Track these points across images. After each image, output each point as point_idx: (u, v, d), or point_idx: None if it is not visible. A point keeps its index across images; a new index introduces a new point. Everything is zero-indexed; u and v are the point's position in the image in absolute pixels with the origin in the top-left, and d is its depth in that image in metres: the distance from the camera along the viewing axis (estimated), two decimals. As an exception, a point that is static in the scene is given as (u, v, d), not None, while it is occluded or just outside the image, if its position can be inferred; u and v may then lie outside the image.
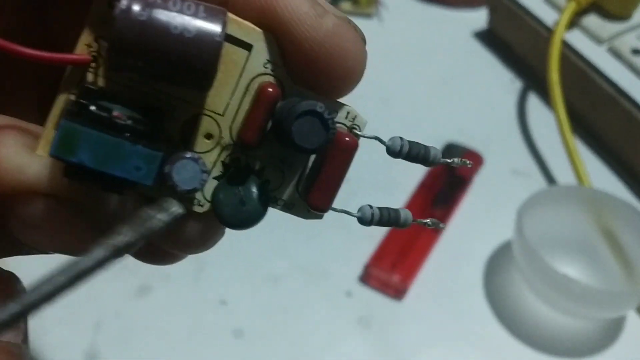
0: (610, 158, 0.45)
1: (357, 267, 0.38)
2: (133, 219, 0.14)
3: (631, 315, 0.37)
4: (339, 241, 0.40)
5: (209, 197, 0.16)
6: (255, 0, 0.15)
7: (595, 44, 0.46)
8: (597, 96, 0.44)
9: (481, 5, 0.56)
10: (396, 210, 0.18)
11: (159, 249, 0.19)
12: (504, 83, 0.51)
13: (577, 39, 0.46)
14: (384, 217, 0.18)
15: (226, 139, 0.16)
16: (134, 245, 0.14)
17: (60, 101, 0.15)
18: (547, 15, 0.48)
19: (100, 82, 0.15)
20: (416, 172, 0.43)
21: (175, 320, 0.36)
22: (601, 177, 0.43)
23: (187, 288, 0.37)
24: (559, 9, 0.47)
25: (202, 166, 0.15)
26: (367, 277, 0.38)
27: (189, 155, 0.15)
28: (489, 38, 0.54)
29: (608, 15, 0.46)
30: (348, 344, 0.36)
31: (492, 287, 0.38)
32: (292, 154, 0.16)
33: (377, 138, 0.18)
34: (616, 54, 0.45)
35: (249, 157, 0.16)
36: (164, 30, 0.13)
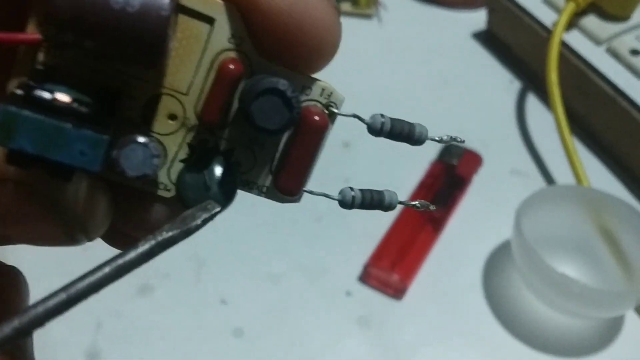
0: (608, 158, 0.45)
1: (357, 267, 0.38)
2: (177, 218, 0.14)
3: (630, 314, 0.37)
4: (339, 241, 0.40)
5: (175, 180, 0.15)
6: None
7: (594, 45, 0.46)
8: (596, 96, 0.44)
9: (480, 6, 0.56)
10: (380, 192, 0.17)
11: (123, 233, 0.18)
12: (503, 83, 0.51)
13: (576, 40, 0.46)
14: (367, 199, 0.16)
15: (191, 119, 0.15)
16: (176, 242, 0.15)
17: (11, 84, 0.14)
18: (546, 16, 0.48)
19: (52, 62, 0.14)
20: (415, 172, 0.43)
21: (176, 320, 0.36)
22: (600, 177, 0.43)
23: (188, 287, 0.37)
24: (557, 9, 0.47)
25: (153, 150, 0.14)
26: (366, 277, 0.38)
27: (139, 139, 0.14)
28: (487, 39, 0.54)
29: (607, 16, 0.47)
30: (347, 343, 0.36)
31: (491, 286, 0.38)
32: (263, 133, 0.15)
33: (355, 116, 0.17)
34: (615, 54, 0.45)
35: (217, 138, 0.15)
36: (104, 4, 0.12)
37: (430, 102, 0.49)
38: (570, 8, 0.46)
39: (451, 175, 0.43)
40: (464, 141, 0.17)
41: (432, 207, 0.18)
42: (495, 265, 0.39)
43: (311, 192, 0.16)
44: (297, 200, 0.16)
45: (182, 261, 0.39)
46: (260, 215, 0.41)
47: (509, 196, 0.39)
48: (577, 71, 0.45)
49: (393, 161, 0.44)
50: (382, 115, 0.16)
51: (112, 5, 0.12)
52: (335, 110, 0.16)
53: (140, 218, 0.17)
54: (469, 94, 0.50)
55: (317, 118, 0.15)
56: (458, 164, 0.43)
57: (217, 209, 0.15)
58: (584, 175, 0.41)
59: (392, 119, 0.16)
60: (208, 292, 0.37)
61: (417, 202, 0.18)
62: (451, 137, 0.17)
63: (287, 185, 0.16)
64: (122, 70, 0.14)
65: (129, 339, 0.35)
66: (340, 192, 0.16)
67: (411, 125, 0.16)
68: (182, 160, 0.15)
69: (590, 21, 0.46)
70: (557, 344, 0.36)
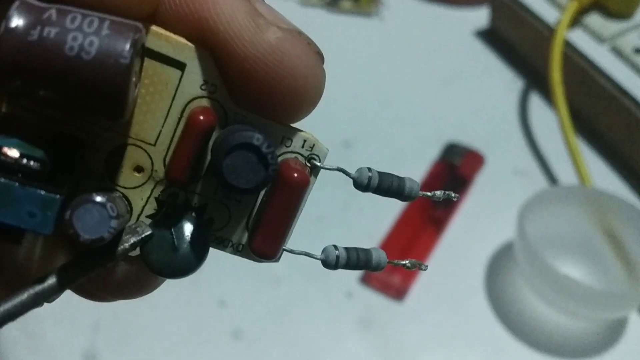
0: (612, 158, 0.45)
1: (358, 268, 0.38)
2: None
3: (633, 316, 0.37)
4: (339, 242, 0.40)
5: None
6: (185, 11, 0.13)
7: (597, 43, 0.46)
8: (599, 95, 0.44)
9: (482, 4, 0.56)
10: (367, 251, 0.16)
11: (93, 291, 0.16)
12: (505, 82, 0.51)
13: (579, 38, 0.46)
14: (352, 259, 0.15)
15: (160, 172, 0.14)
16: (105, 264, 0.14)
17: None
18: (549, 14, 0.48)
19: (6, 110, 0.13)
20: (417, 173, 0.43)
21: (174, 321, 0.36)
22: (603, 177, 0.43)
23: (186, 289, 0.37)
24: (560, 8, 0.47)
25: (110, 211, 0.12)
26: (367, 278, 0.38)
27: (95, 198, 0.12)
28: (490, 37, 0.54)
29: (610, 14, 0.46)
30: (348, 345, 0.36)
31: (493, 287, 0.38)
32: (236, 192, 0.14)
33: (340, 169, 0.15)
34: (618, 53, 0.45)
35: (187, 193, 0.14)
36: (57, 52, 0.11)
37: (432, 101, 0.49)
38: (573, 6, 0.46)
39: (453, 175, 0.43)
40: (457, 197, 0.16)
41: (423, 267, 0.17)
42: (498, 266, 0.39)
43: (291, 252, 0.15)
44: (275, 260, 0.15)
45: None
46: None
47: (511, 196, 0.39)
48: (580, 70, 0.45)
49: (394, 161, 0.44)
50: (369, 170, 0.15)
51: (66, 52, 0.11)
52: (318, 164, 0.15)
53: (102, 279, 0.15)
54: (471, 93, 0.50)
55: (296, 175, 0.14)
56: (460, 164, 0.43)
57: (148, 232, 0.14)
58: (587, 175, 0.40)
59: (380, 174, 0.15)
60: (207, 293, 0.37)
61: (407, 262, 0.16)
62: (444, 193, 0.16)
63: (263, 248, 0.15)
64: (82, 120, 0.13)
65: (126, 340, 0.35)
66: (324, 251, 0.15)
67: (400, 180, 0.15)
68: (148, 216, 0.14)
69: (594, 19, 0.46)
70: (559, 346, 0.36)
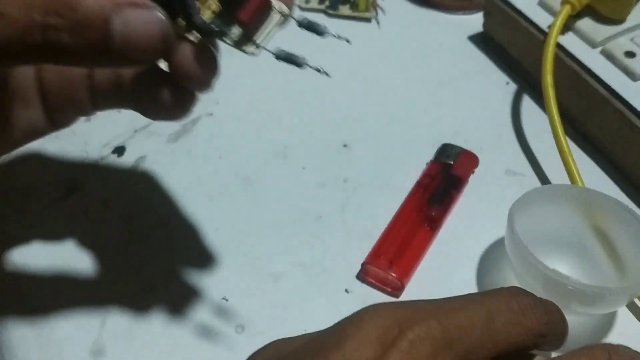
0: (602, 159, 0.46)
1: (355, 265, 0.39)
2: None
3: (622, 311, 0.38)
4: (338, 240, 0.41)
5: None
6: None
7: (589, 47, 0.46)
8: (591, 98, 0.45)
9: (477, 10, 0.56)
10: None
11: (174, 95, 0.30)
12: (499, 85, 0.51)
13: (571, 42, 0.47)
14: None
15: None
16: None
17: None
18: (542, 19, 0.48)
19: None
20: (413, 172, 0.44)
21: (178, 317, 0.37)
22: (594, 177, 0.44)
23: (190, 286, 0.38)
24: (553, 12, 0.48)
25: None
26: (365, 275, 0.39)
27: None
28: (484, 41, 0.55)
29: (602, 18, 0.47)
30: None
31: (485, 283, 0.38)
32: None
33: None
34: (610, 56, 0.45)
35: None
36: None
37: (428, 104, 0.50)
38: (565, 11, 0.46)
39: (448, 175, 0.43)
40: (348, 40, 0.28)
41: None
42: (490, 262, 0.39)
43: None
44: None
45: (185, 260, 0.39)
46: (261, 215, 0.42)
47: (504, 196, 0.39)
48: (572, 73, 0.46)
49: (391, 161, 0.45)
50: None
51: None
52: None
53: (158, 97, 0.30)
54: (465, 96, 0.51)
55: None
56: (455, 164, 0.44)
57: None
58: (578, 176, 0.41)
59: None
60: (210, 290, 0.38)
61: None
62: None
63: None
64: None
65: (133, 336, 0.36)
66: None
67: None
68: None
69: (586, 24, 0.47)
70: (551, 340, 0.37)
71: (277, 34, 0.28)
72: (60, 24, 0.24)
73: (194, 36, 0.28)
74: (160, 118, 0.32)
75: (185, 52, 0.28)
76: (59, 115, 0.34)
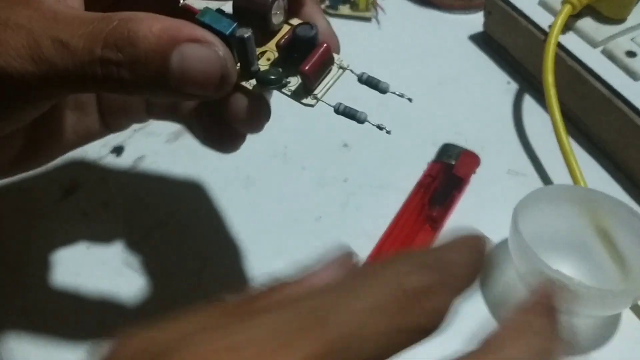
0: (604, 158, 0.46)
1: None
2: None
3: (626, 313, 0.38)
4: (338, 239, 0.41)
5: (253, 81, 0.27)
6: None
7: (590, 47, 0.46)
8: (592, 98, 0.45)
9: (477, 9, 0.56)
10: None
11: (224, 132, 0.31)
12: (500, 85, 0.51)
13: (572, 42, 0.46)
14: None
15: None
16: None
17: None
18: (542, 18, 0.48)
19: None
20: (414, 172, 0.43)
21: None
22: (596, 177, 0.44)
23: (189, 287, 0.38)
24: (553, 12, 0.48)
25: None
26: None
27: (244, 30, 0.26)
28: (484, 41, 0.55)
29: (602, 18, 0.47)
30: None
31: (488, 284, 0.38)
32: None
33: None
34: (610, 56, 0.45)
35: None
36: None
37: (429, 103, 0.50)
38: (566, 10, 0.46)
39: (449, 175, 0.43)
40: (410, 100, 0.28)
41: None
42: (493, 264, 0.39)
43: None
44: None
45: (185, 260, 0.39)
46: (261, 215, 0.42)
47: (506, 196, 0.39)
48: (573, 73, 0.45)
49: (392, 161, 0.45)
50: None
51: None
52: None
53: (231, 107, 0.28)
54: (466, 96, 0.50)
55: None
56: (456, 164, 0.44)
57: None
58: (580, 176, 0.41)
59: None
60: (209, 291, 0.38)
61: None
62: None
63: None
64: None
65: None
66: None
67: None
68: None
69: (586, 23, 0.47)
70: (553, 342, 0.37)
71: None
72: (120, 60, 0.24)
73: (249, 83, 0.27)
74: (209, 147, 0.33)
75: (240, 102, 0.28)
76: (114, 120, 0.34)
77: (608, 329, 0.37)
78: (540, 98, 0.48)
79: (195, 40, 0.24)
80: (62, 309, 0.37)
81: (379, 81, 0.29)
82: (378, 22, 0.56)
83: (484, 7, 0.54)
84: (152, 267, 0.39)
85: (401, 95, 0.30)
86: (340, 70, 0.28)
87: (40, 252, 0.39)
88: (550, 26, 0.46)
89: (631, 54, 0.45)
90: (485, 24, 0.54)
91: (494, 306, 0.38)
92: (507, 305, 0.38)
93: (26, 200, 0.42)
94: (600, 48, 0.46)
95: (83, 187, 0.43)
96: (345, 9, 0.56)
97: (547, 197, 0.38)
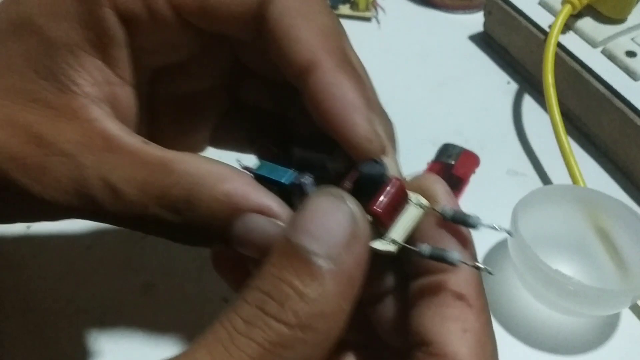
0: (604, 158, 0.46)
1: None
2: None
3: (625, 313, 0.38)
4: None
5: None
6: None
7: (590, 47, 0.46)
8: (592, 98, 0.45)
9: (477, 9, 0.56)
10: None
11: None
12: (499, 85, 0.51)
13: (572, 42, 0.46)
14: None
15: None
16: None
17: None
18: (542, 18, 0.48)
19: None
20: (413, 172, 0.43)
21: (178, 317, 0.36)
22: (595, 177, 0.44)
23: (190, 285, 0.38)
24: (553, 12, 0.48)
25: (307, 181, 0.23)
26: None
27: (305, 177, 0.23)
28: (485, 41, 0.54)
29: (602, 18, 0.47)
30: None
31: (488, 284, 0.38)
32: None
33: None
34: (610, 56, 0.45)
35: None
36: None
37: (429, 103, 0.50)
38: (566, 10, 0.46)
39: (449, 175, 0.43)
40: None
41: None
42: (492, 263, 0.39)
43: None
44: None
45: (185, 260, 0.39)
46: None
47: (505, 196, 0.39)
48: (573, 73, 0.45)
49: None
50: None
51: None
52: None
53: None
54: (466, 95, 0.50)
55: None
56: (456, 164, 0.44)
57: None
58: (580, 176, 0.41)
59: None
60: (210, 289, 0.38)
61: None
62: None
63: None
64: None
65: (131, 335, 0.36)
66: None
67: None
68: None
69: (586, 23, 0.47)
70: (552, 342, 0.37)
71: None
72: (175, 220, 0.22)
73: None
74: None
75: None
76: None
77: (607, 328, 0.37)
78: (540, 98, 0.48)
79: (260, 212, 0.22)
80: (61, 309, 0.37)
81: (468, 216, 0.23)
82: (378, 22, 0.56)
83: (484, 7, 0.54)
84: (152, 267, 0.39)
85: (493, 227, 0.24)
86: (420, 209, 0.24)
87: (41, 252, 0.39)
88: (550, 26, 0.46)
89: (631, 54, 0.45)
90: (485, 24, 0.54)
91: (493, 306, 0.37)
92: (507, 305, 0.38)
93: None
94: (600, 48, 0.46)
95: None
96: (345, 9, 0.56)
97: (546, 197, 0.38)
